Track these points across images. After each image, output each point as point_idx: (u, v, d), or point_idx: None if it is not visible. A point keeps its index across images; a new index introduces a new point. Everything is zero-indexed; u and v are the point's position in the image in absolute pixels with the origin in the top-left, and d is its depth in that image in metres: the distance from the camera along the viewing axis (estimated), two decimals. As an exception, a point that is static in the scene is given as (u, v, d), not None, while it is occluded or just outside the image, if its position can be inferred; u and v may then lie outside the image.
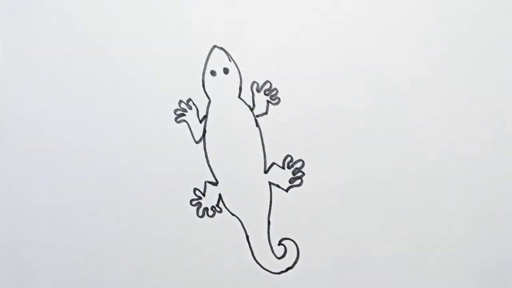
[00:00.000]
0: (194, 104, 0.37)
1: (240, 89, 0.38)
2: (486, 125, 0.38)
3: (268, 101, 0.38)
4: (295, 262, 0.38)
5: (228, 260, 0.37)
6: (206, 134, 0.37)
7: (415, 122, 0.37)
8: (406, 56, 0.37)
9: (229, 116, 0.37)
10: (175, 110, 0.37)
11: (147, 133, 0.37)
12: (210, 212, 0.37)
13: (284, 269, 0.38)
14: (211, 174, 0.37)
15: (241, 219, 0.38)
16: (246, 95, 0.38)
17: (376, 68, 0.37)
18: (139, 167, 0.37)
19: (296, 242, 0.37)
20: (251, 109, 0.38)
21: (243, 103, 0.38)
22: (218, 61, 0.37)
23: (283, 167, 0.37)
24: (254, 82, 0.38)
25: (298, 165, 0.37)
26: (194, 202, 0.37)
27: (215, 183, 0.37)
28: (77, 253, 0.36)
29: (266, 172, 0.37)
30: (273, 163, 0.38)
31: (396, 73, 0.37)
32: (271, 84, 0.38)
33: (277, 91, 0.38)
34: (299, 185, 0.37)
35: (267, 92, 0.38)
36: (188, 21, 0.37)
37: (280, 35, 0.37)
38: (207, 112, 0.37)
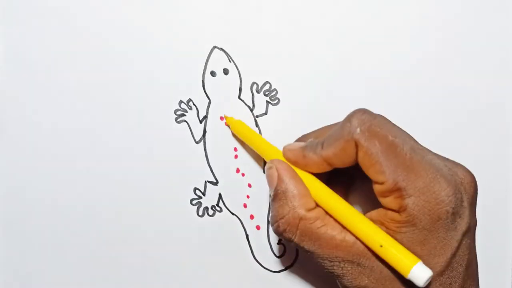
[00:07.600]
0: (194, 104, 0.37)
1: (240, 89, 0.38)
2: (486, 125, 0.38)
3: (267, 102, 0.38)
4: (295, 261, 0.38)
5: (228, 259, 0.38)
6: (206, 134, 0.37)
7: (416, 123, 0.38)
8: (407, 57, 0.38)
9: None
10: (176, 111, 0.37)
11: (147, 133, 0.37)
12: (210, 212, 0.38)
13: (283, 267, 0.38)
14: (211, 174, 0.37)
15: (241, 219, 0.38)
16: (246, 95, 0.38)
17: (376, 68, 0.38)
18: (139, 167, 0.37)
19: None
20: (251, 110, 0.38)
21: (243, 103, 0.38)
22: (218, 62, 0.37)
23: (282, 167, 0.37)
24: (253, 83, 0.38)
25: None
26: (194, 202, 0.37)
27: (215, 183, 0.38)
28: (76, 252, 0.36)
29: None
30: (273, 163, 0.38)
31: (396, 73, 0.38)
32: (270, 85, 0.38)
33: (277, 92, 0.38)
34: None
35: (266, 93, 0.38)
36: (188, 22, 0.37)
37: (280, 35, 0.37)
38: (207, 113, 0.37)
